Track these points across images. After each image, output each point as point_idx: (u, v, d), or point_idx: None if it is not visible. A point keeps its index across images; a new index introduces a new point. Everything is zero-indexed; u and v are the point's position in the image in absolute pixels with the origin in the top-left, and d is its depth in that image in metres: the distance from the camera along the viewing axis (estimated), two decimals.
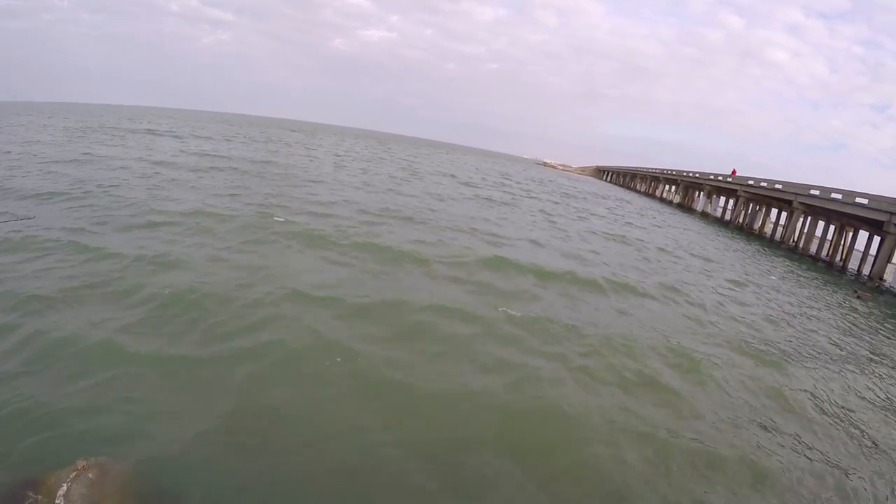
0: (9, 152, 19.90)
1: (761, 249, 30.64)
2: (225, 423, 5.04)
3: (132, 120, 51.65)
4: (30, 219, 10.46)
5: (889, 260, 26.84)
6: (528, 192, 36.18)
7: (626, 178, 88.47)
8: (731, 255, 25.13)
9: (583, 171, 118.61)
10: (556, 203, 31.67)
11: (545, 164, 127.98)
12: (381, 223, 15.02)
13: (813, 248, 34.66)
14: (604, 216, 29.62)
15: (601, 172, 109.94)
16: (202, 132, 44.60)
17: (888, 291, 25.98)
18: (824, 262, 32.44)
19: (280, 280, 8.61)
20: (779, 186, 38.01)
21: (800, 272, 24.56)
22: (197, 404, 5.27)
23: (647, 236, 23.83)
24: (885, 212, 26.07)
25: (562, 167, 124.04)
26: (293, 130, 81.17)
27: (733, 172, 46.77)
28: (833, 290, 21.72)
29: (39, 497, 3.80)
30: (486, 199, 26.17)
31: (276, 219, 13.24)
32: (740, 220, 46.06)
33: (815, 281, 23.03)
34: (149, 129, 40.00)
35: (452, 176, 37.37)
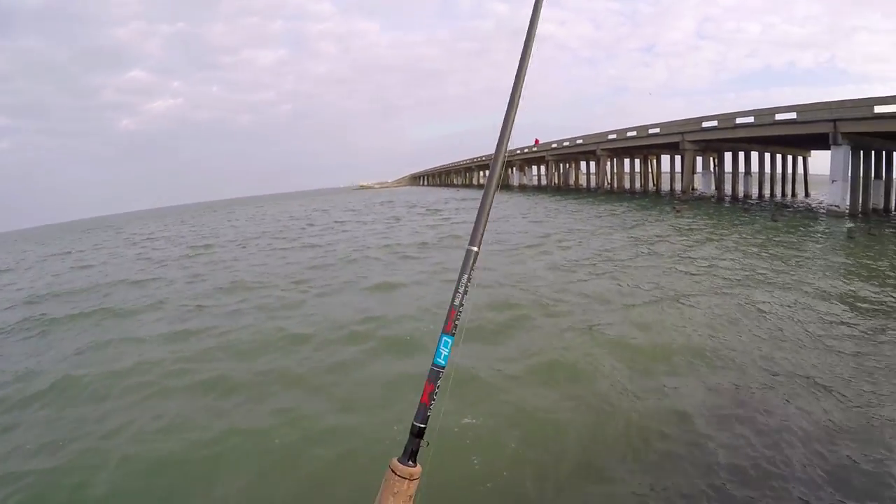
0: None
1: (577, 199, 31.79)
2: None
3: None
4: None
5: (693, 171, 29.42)
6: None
7: (441, 176, 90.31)
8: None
9: (399, 182, 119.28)
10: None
11: (362, 187, 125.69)
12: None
13: (627, 184, 37.35)
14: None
15: (416, 179, 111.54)
16: None
17: (702, 197, 28.39)
18: (640, 192, 35.01)
19: None
20: (580, 141, 40.52)
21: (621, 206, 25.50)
22: None
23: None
24: (677, 133, 28.44)
25: (379, 185, 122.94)
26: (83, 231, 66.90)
27: (536, 142, 48.94)
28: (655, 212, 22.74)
29: None
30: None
31: None
32: (556, 181, 48.72)
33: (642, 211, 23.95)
34: None
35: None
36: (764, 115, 22.26)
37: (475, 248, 1.26)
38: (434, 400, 1.23)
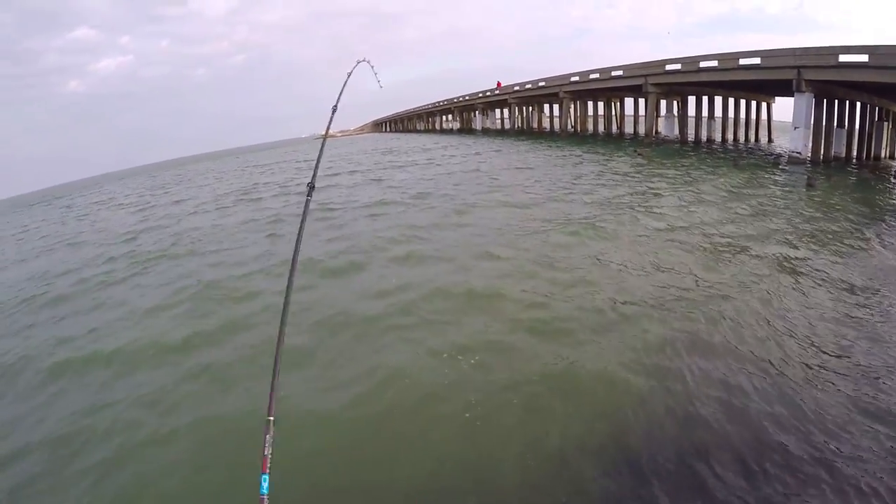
0: None
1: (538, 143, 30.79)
2: None
3: None
4: None
5: (657, 115, 28.73)
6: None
7: (404, 122, 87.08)
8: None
9: (361, 130, 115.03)
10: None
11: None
12: None
13: (590, 127, 36.47)
14: None
15: (378, 126, 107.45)
16: None
17: (664, 140, 27.95)
18: (604, 135, 34.27)
19: None
20: (542, 83, 38.89)
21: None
22: None
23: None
24: (640, 76, 27.40)
25: (341, 134, 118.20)
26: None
27: (498, 85, 47.18)
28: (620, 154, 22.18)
29: None
30: None
31: None
32: (519, 125, 47.35)
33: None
34: None
35: None
36: (727, 60, 21.43)
37: None
38: None
